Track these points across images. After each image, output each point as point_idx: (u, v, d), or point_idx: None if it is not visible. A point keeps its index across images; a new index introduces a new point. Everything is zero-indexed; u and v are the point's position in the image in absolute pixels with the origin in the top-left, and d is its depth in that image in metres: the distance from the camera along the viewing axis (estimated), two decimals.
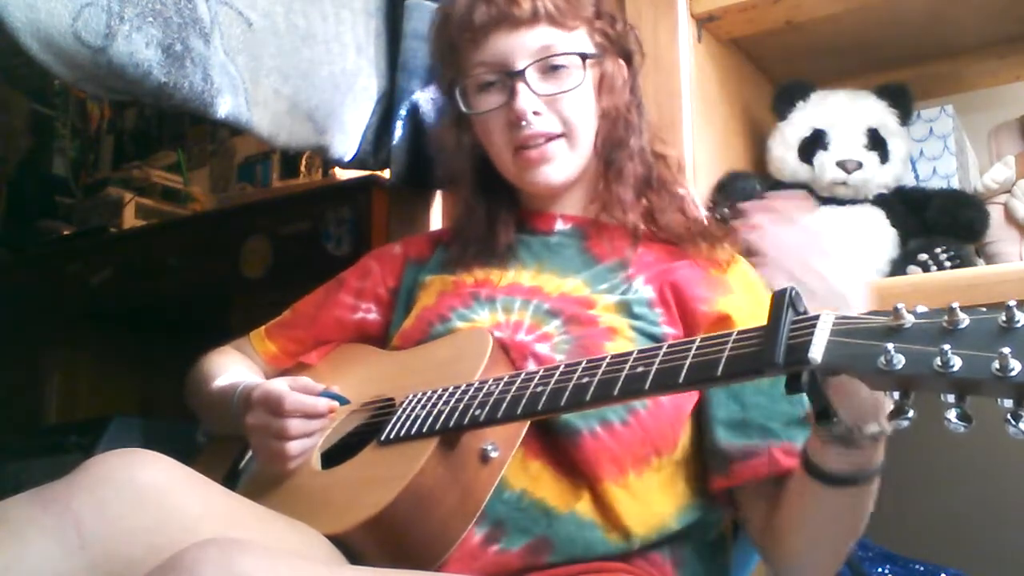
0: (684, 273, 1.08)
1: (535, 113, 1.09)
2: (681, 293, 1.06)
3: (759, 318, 0.78)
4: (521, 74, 1.09)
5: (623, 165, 1.13)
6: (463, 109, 1.14)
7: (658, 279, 1.08)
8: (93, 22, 1.10)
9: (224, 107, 1.26)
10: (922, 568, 1.58)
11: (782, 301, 0.75)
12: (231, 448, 1.15)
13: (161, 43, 1.17)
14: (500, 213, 1.17)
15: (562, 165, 1.11)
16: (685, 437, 1.02)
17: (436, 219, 1.66)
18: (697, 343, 0.80)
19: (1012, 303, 0.64)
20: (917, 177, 1.57)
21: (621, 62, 1.16)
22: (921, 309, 0.68)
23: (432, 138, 1.40)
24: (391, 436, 0.95)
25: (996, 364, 0.61)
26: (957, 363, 0.63)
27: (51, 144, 3.13)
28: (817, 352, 0.70)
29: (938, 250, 1.38)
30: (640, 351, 0.84)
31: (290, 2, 1.38)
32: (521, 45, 1.09)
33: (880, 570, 1.59)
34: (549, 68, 1.10)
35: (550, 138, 1.10)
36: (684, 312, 1.05)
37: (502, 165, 1.14)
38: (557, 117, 1.10)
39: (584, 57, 1.11)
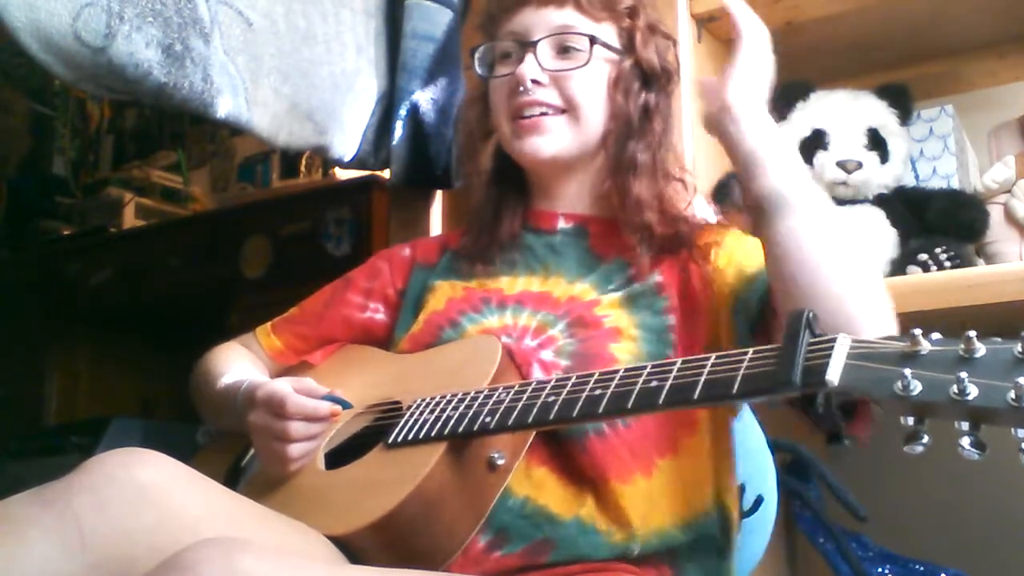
0: (689, 264, 1.09)
1: (535, 82, 1.10)
2: (690, 277, 1.08)
3: (751, 255, 1.01)
4: (533, 45, 1.11)
5: (630, 169, 1.12)
6: (477, 71, 1.18)
7: (662, 262, 1.09)
8: (93, 22, 1.10)
9: (224, 107, 1.26)
10: (922, 568, 1.59)
11: (799, 322, 0.74)
12: (232, 448, 1.15)
13: (161, 43, 1.17)
14: (508, 200, 1.19)
15: (555, 139, 1.11)
16: (690, 440, 1.02)
17: (436, 219, 1.66)
18: (712, 360, 0.80)
19: None
20: (917, 177, 1.57)
21: (644, 70, 1.15)
22: (936, 336, 0.68)
23: (457, 113, 1.42)
24: (398, 439, 0.95)
25: (1012, 394, 0.62)
26: (973, 391, 0.63)
27: (51, 144, 3.13)
28: (834, 374, 0.70)
29: (938, 250, 1.38)
30: (654, 365, 0.83)
31: (290, 2, 1.39)
32: (542, 20, 1.12)
33: (880, 570, 1.59)
34: (563, 48, 1.12)
35: (551, 110, 1.11)
36: (688, 293, 1.07)
37: (502, 136, 1.16)
38: (559, 93, 1.11)
39: (593, 40, 1.12)
